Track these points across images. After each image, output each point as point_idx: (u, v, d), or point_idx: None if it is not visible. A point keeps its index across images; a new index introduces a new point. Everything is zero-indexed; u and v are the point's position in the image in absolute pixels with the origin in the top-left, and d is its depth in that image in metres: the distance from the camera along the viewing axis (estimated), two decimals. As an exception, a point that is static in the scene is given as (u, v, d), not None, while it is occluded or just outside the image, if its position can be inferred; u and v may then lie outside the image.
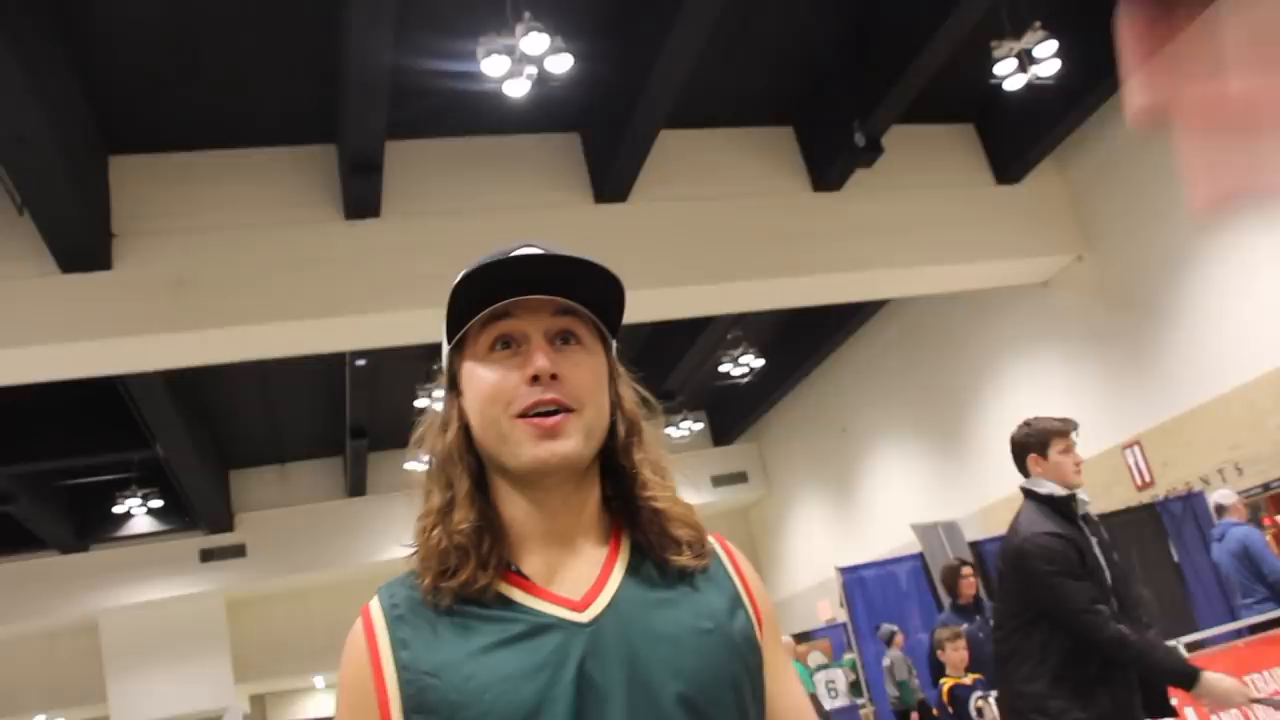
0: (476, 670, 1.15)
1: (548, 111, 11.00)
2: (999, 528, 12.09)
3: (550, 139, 12.03)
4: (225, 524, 20.26)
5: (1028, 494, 4.11)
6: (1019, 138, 13.23)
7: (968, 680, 6.71)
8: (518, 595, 1.22)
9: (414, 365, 15.86)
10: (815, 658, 15.86)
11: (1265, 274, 11.79)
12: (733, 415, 22.44)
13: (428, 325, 12.02)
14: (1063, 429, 4.08)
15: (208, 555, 20.45)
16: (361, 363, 14.59)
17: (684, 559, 1.27)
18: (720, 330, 16.55)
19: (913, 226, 12.94)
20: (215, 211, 10.74)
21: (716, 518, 23.74)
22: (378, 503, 20.48)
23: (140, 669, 20.41)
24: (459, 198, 11.52)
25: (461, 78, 9.77)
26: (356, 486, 20.09)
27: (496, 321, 1.27)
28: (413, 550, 1.28)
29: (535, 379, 1.23)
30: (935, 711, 7.14)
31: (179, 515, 19.72)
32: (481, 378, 1.26)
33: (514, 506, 1.26)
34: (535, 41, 8.98)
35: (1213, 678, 3.57)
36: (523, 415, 1.23)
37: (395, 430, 18.13)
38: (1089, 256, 14.01)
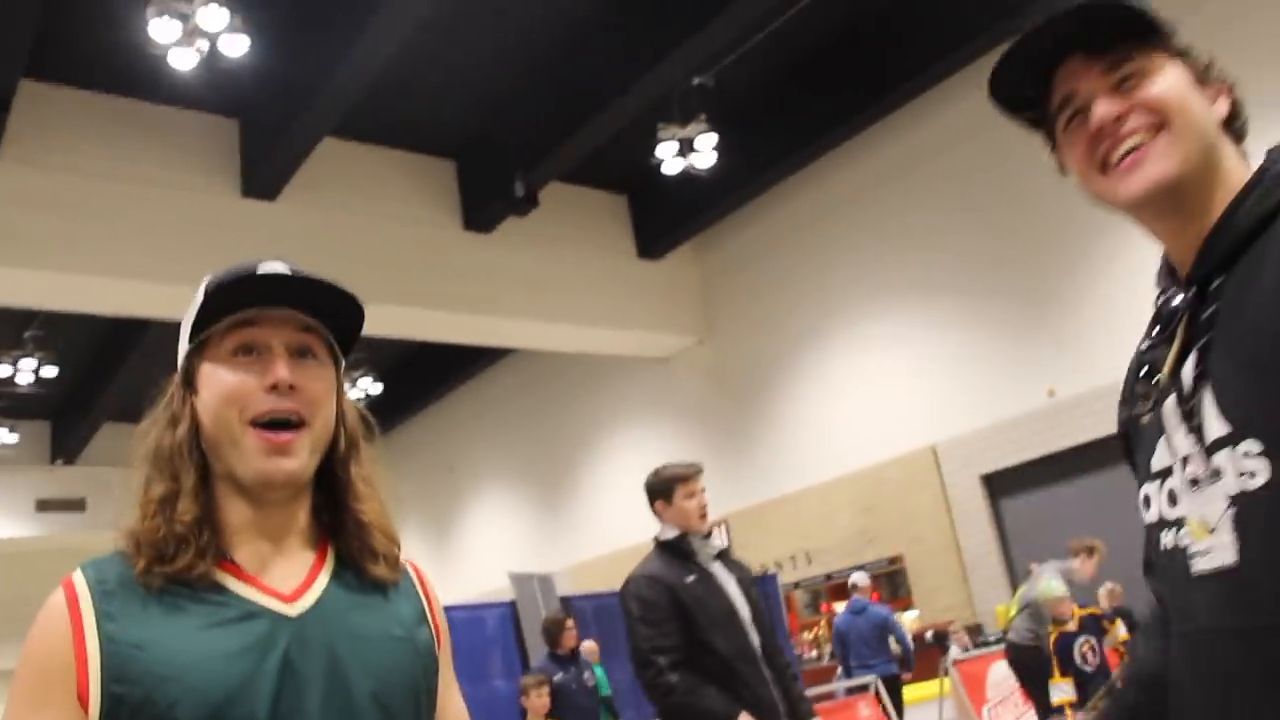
0: (185, 647, 1.19)
1: (212, 90, 10.42)
2: (590, 585, 12.53)
3: (209, 119, 11.43)
4: None
5: (655, 542, 4.29)
6: (666, 218, 13.96)
7: (548, 728, 6.89)
8: (231, 583, 1.26)
9: (3, 328, 14.47)
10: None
11: (847, 390, 13.13)
12: (338, 441, 21.88)
13: (31, 286, 10.98)
14: (686, 474, 4.25)
15: None
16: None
17: (380, 571, 1.37)
18: (344, 352, 16.16)
19: (553, 284, 13.29)
20: None
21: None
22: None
23: None
24: (93, 156, 10.63)
25: (126, 31, 9.13)
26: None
27: (241, 329, 1.31)
28: (125, 534, 1.28)
29: (274, 387, 1.28)
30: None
31: None
32: (221, 379, 1.30)
33: (233, 505, 1.31)
34: (214, 16, 8.56)
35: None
36: (255, 423, 1.27)
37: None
38: (709, 342, 14.92)
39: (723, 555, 4.21)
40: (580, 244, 13.72)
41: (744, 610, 4.05)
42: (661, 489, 4.21)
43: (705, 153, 11.75)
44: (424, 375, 18.56)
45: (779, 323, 14.03)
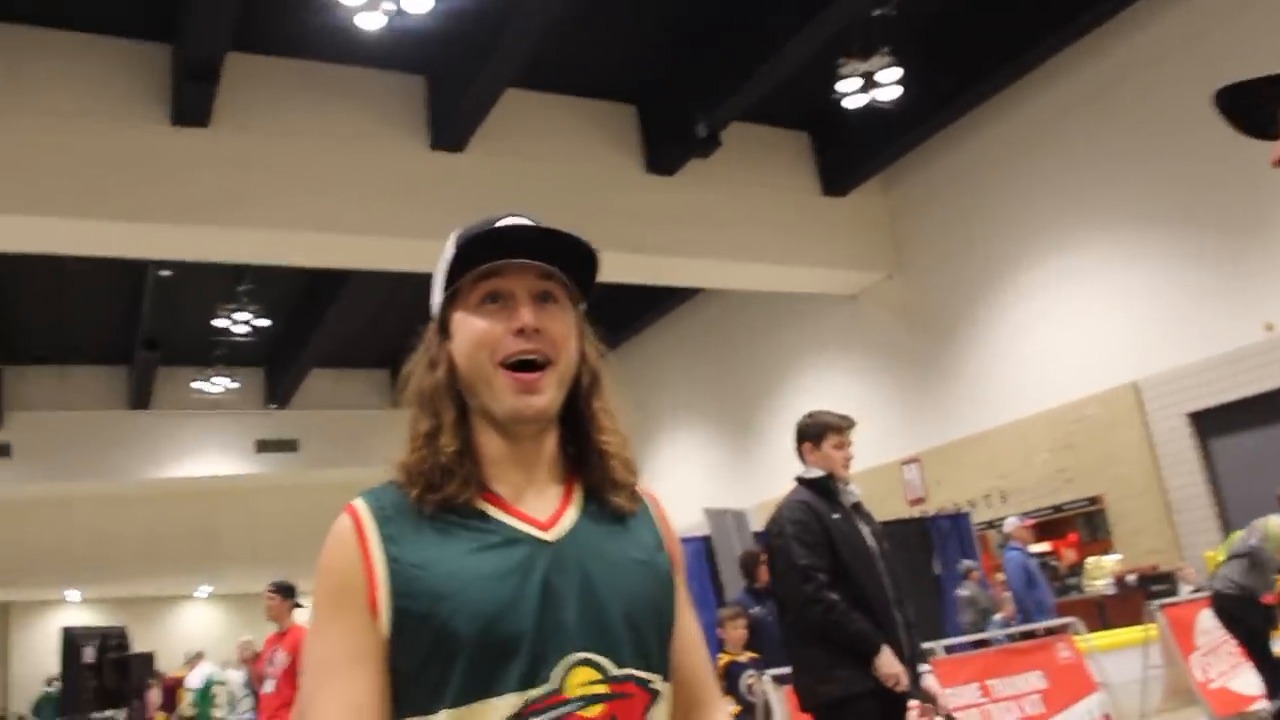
0: (459, 569, 1.33)
1: (397, 50, 10.82)
2: (778, 523, 12.59)
3: (396, 78, 11.82)
4: (-8, 420, 19.19)
5: (797, 480, 4.35)
6: (851, 154, 13.69)
7: (743, 658, 7.00)
8: (493, 511, 1.40)
9: (218, 283, 15.35)
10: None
11: (1047, 324, 12.64)
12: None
13: (243, 243, 11.66)
14: (839, 425, 4.32)
15: (-33, 452, 19.33)
16: (166, 273, 14.02)
17: (621, 500, 1.47)
18: (538, 295, 16.54)
19: (738, 222, 13.24)
20: (35, 92, 10.13)
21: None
22: (161, 419, 19.77)
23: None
24: (294, 120, 11.21)
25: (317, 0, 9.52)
26: (140, 399, 19.30)
27: (488, 279, 1.43)
28: (397, 466, 1.43)
29: (520, 331, 1.40)
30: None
31: (-59, 407, 18.58)
32: (473, 325, 1.43)
33: (489, 439, 1.44)
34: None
35: (886, 656, 3.90)
36: (505, 364, 1.40)
37: (190, 347, 17.51)
38: (898, 277, 14.62)
39: (857, 506, 4.28)
40: (764, 183, 13.62)
41: (879, 561, 4.12)
42: (812, 433, 4.29)
43: (888, 86, 11.44)
44: (613, 317, 18.81)
45: (971, 256, 13.62)
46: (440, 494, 1.37)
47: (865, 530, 4.20)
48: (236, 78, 10.76)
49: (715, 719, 1.56)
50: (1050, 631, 8.53)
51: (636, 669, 1.36)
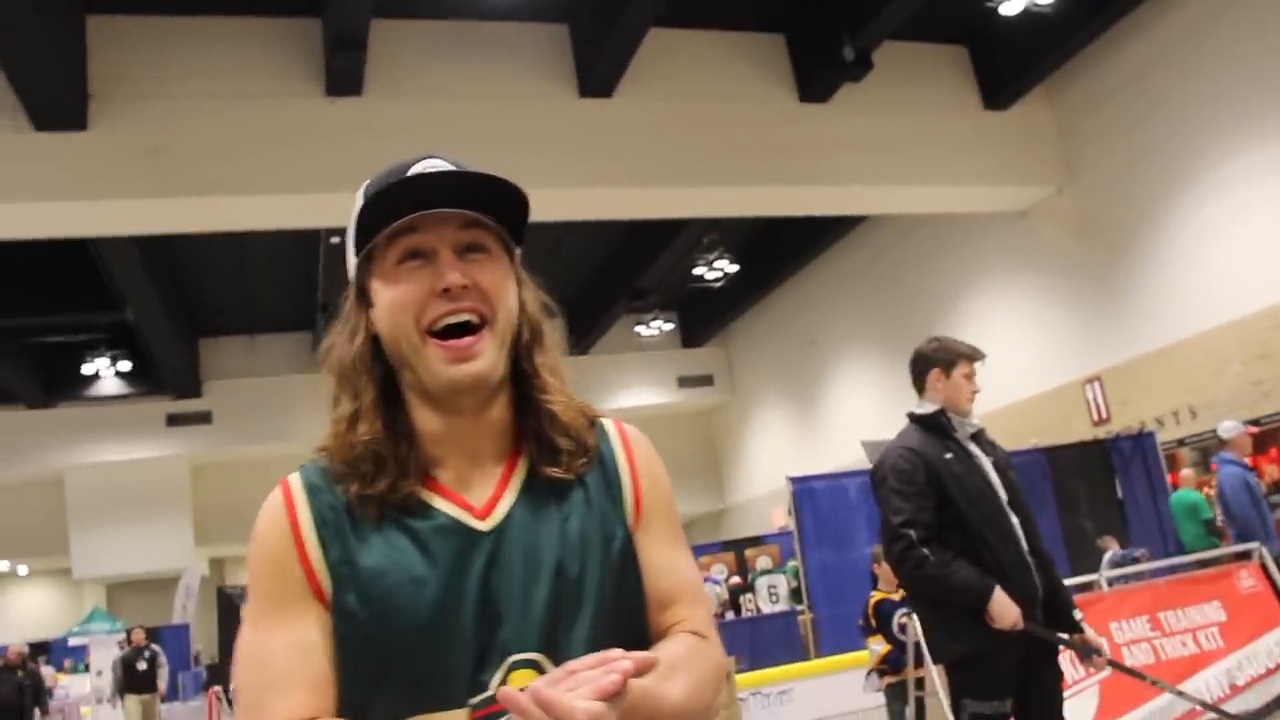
0: (390, 568, 1.23)
1: (537, 0, 10.84)
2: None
3: (538, 29, 11.86)
4: (193, 390, 20.38)
5: (909, 417, 4.11)
6: (1011, 64, 13.11)
7: (895, 596, 6.84)
8: (436, 501, 1.28)
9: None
10: (763, 562, 16.14)
11: (1237, 226, 11.86)
12: (703, 318, 22.52)
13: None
14: (971, 354, 4.06)
15: (174, 420, 20.63)
16: (336, 240, 14.49)
17: (558, 472, 1.32)
18: (696, 233, 16.53)
19: (897, 145, 12.88)
20: (194, 79, 10.58)
21: (679, 418, 23.97)
22: (344, 380, 20.57)
23: (102, 525, 20.64)
24: (442, 81, 11.38)
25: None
26: (324, 362, 20.12)
27: (404, 235, 1.28)
28: (319, 451, 1.34)
29: (447, 291, 1.26)
30: (860, 621, 7.28)
31: (147, 379, 19.78)
32: (391, 289, 1.28)
33: (425, 416, 1.31)
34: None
35: (998, 601, 3.59)
36: (433, 332, 1.27)
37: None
38: (1069, 190, 14.01)
39: (978, 436, 4.00)
40: (922, 102, 13.18)
41: (1002, 493, 3.85)
42: (944, 359, 4.05)
43: (1048, -13, 10.92)
44: (778, 251, 18.62)
45: (1146, 162, 12.90)
46: (372, 488, 1.26)
47: (986, 464, 3.91)
48: (383, 44, 10.98)
49: (681, 622, 1.35)
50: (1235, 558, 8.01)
51: None
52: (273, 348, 20.54)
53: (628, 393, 22.06)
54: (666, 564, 1.36)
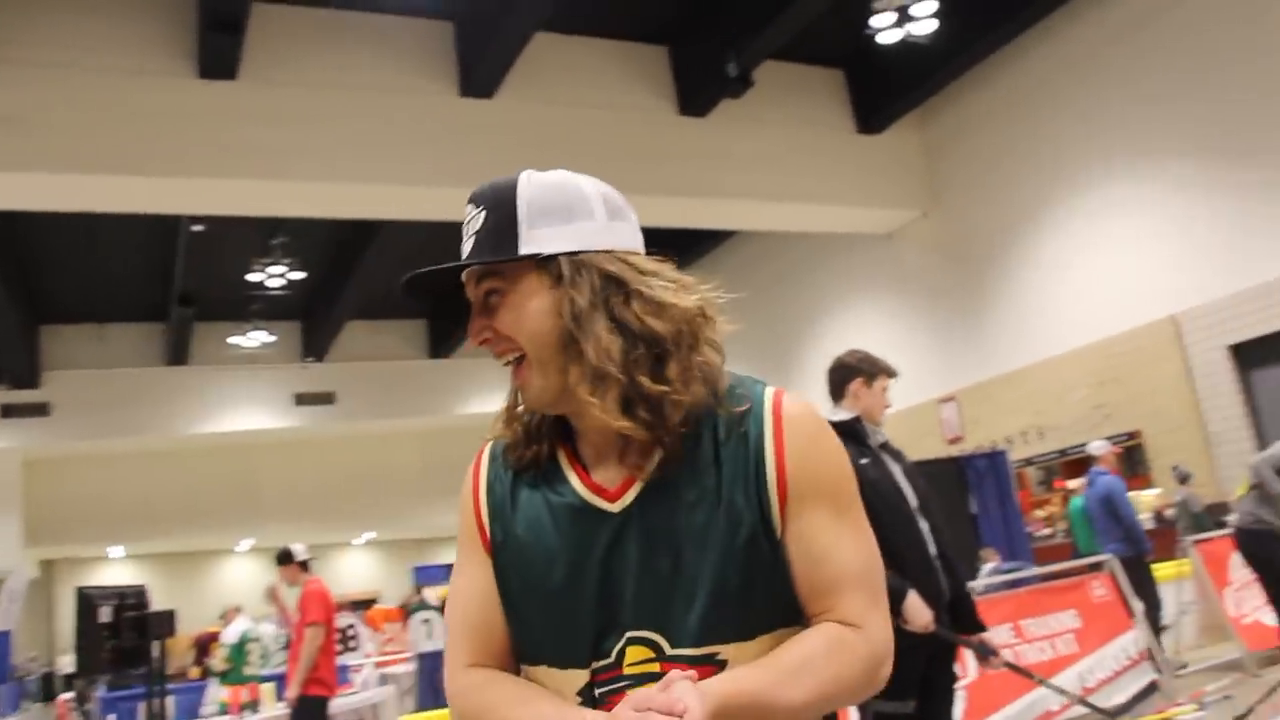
0: (529, 538, 1.42)
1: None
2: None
3: (424, 25, 11.72)
4: (30, 380, 19.22)
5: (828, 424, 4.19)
6: (885, 91, 13.51)
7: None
8: (575, 481, 1.42)
9: (252, 237, 15.35)
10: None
11: (1085, 258, 12.50)
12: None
13: (274, 196, 11.63)
14: (890, 371, 4.22)
15: (8, 411, 19.33)
16: (199, 228, 14.04)
17: (681, 465, 1.37)
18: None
19: (771, 163, 13.11)
20: (58, 48, 10.09)
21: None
22: (199, 374, 19.90)
23: (-79, 520, 19.48)
24: (321, 71, 11.13)
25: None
26: (178, 355, 19.43)
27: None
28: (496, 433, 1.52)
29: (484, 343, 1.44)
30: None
31: (-22, 365, 18.70)
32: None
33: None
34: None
35: (911, 603, 3.72)
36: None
37: (225, 302, 17.57)
38: (934, 215, 14.46)
39: (886, 445, 4.13)
40: (798, 122, 13.46)
41: (912, 499, 3.97)
42: (868, 371, 4.16)
43: (923, 20, 11.25)
44: (647, 262, 18.72)
45: (1007, 192, 13.44)
46: (523, 465, 1.46)
47: (896, 470, 4.04)
48: (262, 29, 10.69)
49: (828, 612, 1.37)
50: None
51: (698, 646, 1.33)
52: (124, 338, 19.60)
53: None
54: (822, 551, 1.37)
